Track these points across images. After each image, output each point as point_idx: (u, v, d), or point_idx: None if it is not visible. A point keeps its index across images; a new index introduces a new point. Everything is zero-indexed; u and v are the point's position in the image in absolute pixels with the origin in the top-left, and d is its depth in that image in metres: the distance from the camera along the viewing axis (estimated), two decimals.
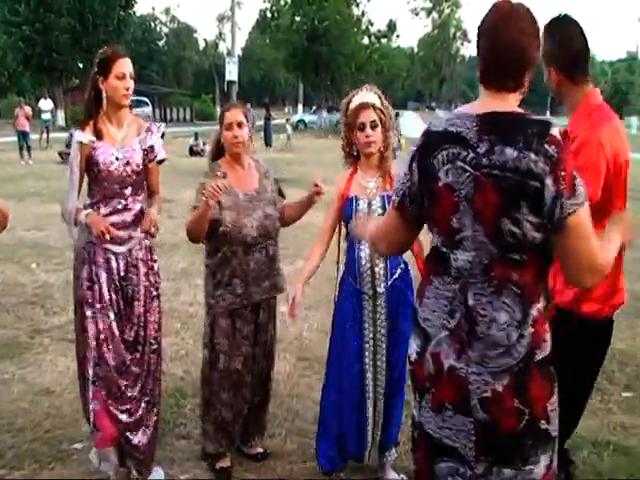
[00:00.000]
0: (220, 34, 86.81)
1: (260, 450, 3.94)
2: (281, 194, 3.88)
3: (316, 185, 3.60)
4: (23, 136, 20.50)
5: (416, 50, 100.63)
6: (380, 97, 3.54)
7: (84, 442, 3.89)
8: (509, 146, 1.91)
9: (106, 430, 3.51)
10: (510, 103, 2.03)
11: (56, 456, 3.87)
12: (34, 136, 22.48)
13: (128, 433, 3.55)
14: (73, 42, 37.96)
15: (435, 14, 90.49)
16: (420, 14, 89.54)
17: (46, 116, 25.32)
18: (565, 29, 2.72)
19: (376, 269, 3.45)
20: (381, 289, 3.47)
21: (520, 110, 2.02)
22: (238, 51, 49.41)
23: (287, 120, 34.96)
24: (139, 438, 3.58)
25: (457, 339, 2.00)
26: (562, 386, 2.06)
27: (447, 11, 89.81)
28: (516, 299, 1.94)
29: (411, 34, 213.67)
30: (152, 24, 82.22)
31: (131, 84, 3.46)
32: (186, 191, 12.43)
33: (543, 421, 1.96)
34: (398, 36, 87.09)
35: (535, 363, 1.94)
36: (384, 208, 3.41)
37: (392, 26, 71.21)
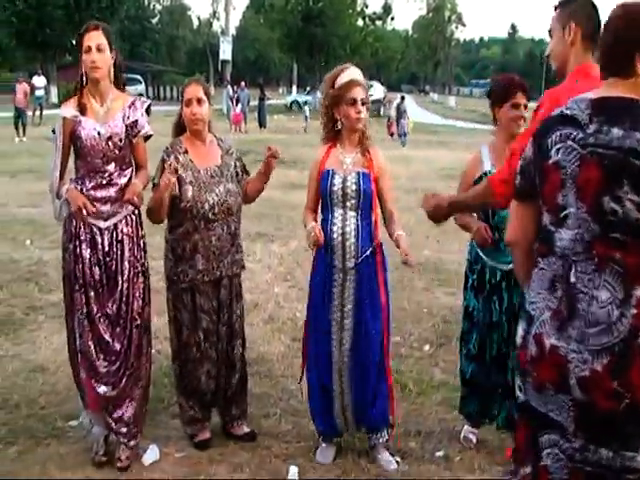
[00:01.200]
0: (214, 13, 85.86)
1: (246, 430, 3.94)
2: (245, 172, 3.88)
3: (269, 148, 3.67)
4: (19, 113, 20.31)
5: (411, 33, 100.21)
6: (363, 77, 3.61)
7: (79, 419, 3.89)
8: (616, 126, 1.99)
9: (93, 396, 3.57)
10: (625, 89, 2.09)
11: (51, 433, 3.88)
12: (29, 112, 22.27)
13: (111, 407, 3.59)
14: (66, 18, 37.51)
15: None
16: None
17: (39, 93, 25.06)
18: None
19: (347, 243, 3.50)
20: (351, 264, 3.52)
21: (632, 95, 2.07)
22: (232, 30, 49.18)
23: (305, 102, 34.14)
24: (123, 411, 3.60)
25: (558, 317, 2.02)
26: None
27: None
28: (618, 278, 1.95)
29: (406, 17, 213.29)
30: (145, 1, 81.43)
31: (98, 56, 3.42)
32: None
33: None
34: (393, 18, 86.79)
35: (638, 346, 1.92)
36: (358, 185, 3.49)
37: (387, 8, 70.97)
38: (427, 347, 5.34)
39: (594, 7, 2.72)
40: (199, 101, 3.64)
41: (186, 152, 3.67)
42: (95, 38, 3.43)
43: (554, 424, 2.04)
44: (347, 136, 3.60)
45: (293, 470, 3.55)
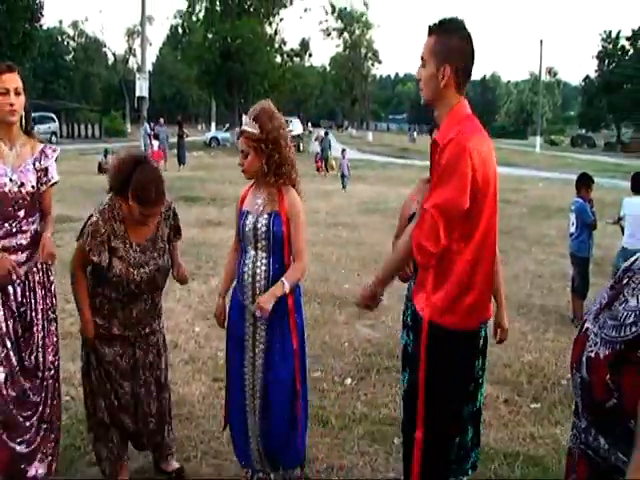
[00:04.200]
0: (130, 49, 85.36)
1: (176, 466, 3.89)
2: (179, 231, 3.77)
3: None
4: None
5: (328, 69, 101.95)
6: (267, 119, 3.40)
7: None
8: None
9: (7, 457, 3.38)
10: None
11: None
12: None
13: (24, 465, 3.42)
14: None
15: (346, 34, 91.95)
16: (332, 34, 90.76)
17: None
18: (463, 31, 2.74)
19: (257, 284, 3.46)
20: None
21: None
22: (149, 67, 48.75)
23: (316, 139, 32.62)
24: (36, 467, 3.46)
25: (600, 308, 2.09)
26: None
27: (358, 32, 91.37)
28: None
29: (323, 53, 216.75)
30: (59, 38, 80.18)
31: (15, 100, 3.32)
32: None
33: (632, 421, 1.90)
34: (311, 55, 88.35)
35: (637, 357, 1.93)
36: (268, 226, 3.42)
37: (305, 45, 71.95)
38: (349, 381, 5.35)
39: (469, 40, 2.72)
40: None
41: (122, 221, 3.45)
42: (12, 81, 3.31)
43: (576, 405, 2.11)
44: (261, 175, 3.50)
45: None
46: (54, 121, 42.43)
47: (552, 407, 4.95)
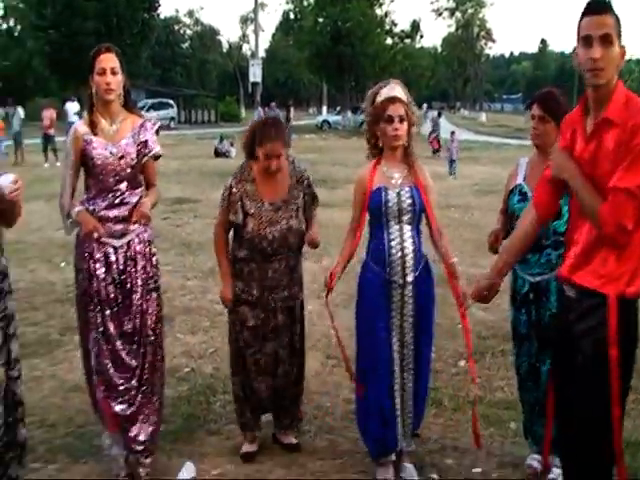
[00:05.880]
0: (244, 36, 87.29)
1: (293, 441, 3.98)
2: (315, 199, 3.90)
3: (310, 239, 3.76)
4: (46, 138, 20.71)
5: (440, 50, 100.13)
6: (406, 92, 3.58)
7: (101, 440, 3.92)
8: None
9: (112, 416, 3.58)
10: None
11: (89, 451, 3.92)
12: (62, 138, 22.68)
13: (127, 424, 3.60)
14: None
15: (459, 14, 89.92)
16: (443, 14, 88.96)
17: (73, 118, 25.52)
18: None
19: (406, 258, 3.47)
20: (410, 278, 3.50)
21: None
22: (262, 53, 49.68)
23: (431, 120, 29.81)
24: (138, 429, 3.61)
25: None
26: None
27: (470, 11, 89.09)
28: None
29: (435, 34, 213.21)
30: (176, 27, 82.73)
31: (112, 79, 3.47)
32: (212, 191, 12.50)
33: None
34: (422, 36, 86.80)
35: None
36: (413, 199, 3.48)
37: (416, 26, 70.79)
38: (462, 363, 5.28)
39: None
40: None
41: (254, 181, 3.70)
42: (109, 61, 3.48)
43: None
44: (389, 153, 3.58)
45: None
46: (172, 107, 44.01)
47: None
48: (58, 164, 19.92)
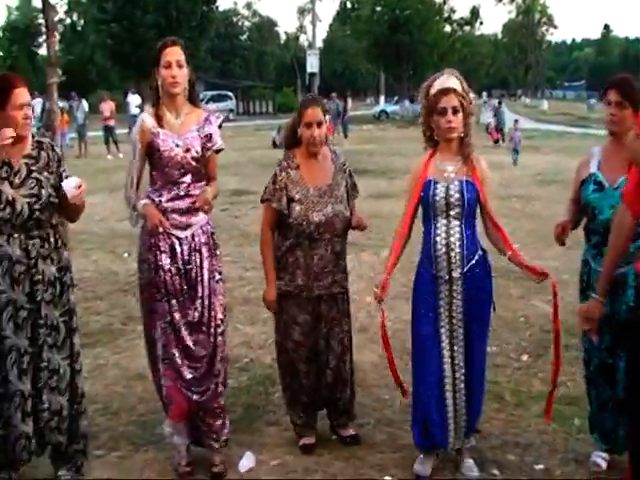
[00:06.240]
0: (301, 27, 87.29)
1: (351, 433, 3.96)
2: (355, 189, 3.88)
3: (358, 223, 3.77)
4: (107, 130, 21.13)
5: (500, 37, 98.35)
6: (461, 82, 3.48)
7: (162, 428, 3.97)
8: None
9: (178, 405, 3.61)
10: None
11: (150, 439, 3.98)
12: (124, 130, 23.12)
13: (201, 414, 3.63)
14: (159, 38, 38.68)
15: (519, 0, 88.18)
16: (504, 0, 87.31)
17: (135, 111, 25.95)
18: None
19: (452, 253, 3.41)
20: (457, 274, 3.43)
21: None
22: (319, 43, 49.67)
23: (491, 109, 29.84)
24: (212, 418, 3.65)
25: None
26: None
27: None
28: None
29: (495, 20, 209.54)
30: (234, 19, 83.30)
31: (178, 72, 3.49)
32: None
33: None
34: (482, 23, 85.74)
35: None
36: (461, 193, 3.41)
37: (475, 13, 69.63)
38: (525, 357, 5.18)
39: None
40: (319, 124, 3.68)
41: (298, 167, 3.73)
42: (175, 54, 3.51)
43: None
44: (444, 145, 3.52)
45: None
46: (231, 99, 44.50)
47: None
48: (120, 155, 20.35)
